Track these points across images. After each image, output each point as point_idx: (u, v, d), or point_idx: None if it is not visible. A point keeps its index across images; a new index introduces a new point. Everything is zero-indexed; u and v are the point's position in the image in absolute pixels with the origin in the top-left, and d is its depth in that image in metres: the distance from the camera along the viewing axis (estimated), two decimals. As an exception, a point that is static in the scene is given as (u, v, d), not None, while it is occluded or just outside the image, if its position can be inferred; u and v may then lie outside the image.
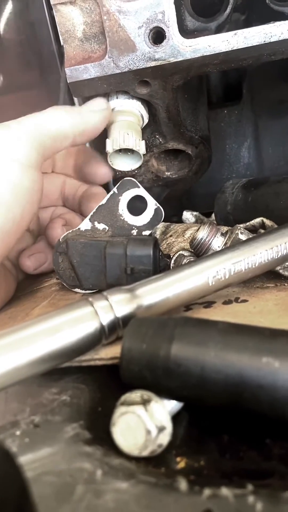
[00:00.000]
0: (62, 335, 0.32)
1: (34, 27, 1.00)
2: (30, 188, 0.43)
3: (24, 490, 0.17)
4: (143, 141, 0.51)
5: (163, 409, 0.28)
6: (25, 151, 0.43)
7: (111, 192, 0.49)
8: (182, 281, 0.37)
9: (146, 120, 0.55)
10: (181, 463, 0.27)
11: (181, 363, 0.28)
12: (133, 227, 0.49)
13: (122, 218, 0.49)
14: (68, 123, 0.45)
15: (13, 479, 0.17)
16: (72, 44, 0.50)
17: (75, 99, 0.85)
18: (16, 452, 0.27)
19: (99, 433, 0.29)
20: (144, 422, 0.27)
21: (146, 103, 0.54)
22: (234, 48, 0.47)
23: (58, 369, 0.33)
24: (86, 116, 0.47)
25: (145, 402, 0.28)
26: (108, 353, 0.34)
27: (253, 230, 0.52)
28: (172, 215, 0.70)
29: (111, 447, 0.27)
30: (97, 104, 0.49)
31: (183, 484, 0.24)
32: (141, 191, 0.49)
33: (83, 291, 0.49)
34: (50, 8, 0.92)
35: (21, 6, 1.01)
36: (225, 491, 0.24)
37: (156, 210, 0.49)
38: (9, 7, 1.01)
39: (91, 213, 0.49)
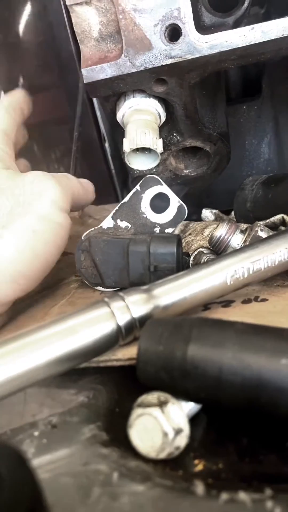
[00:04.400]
0: (79, 336, 0.32)
1: (53, 28, 1.01)
2: (65, 227, 0.46)
3: (37, 493, 0.17)
4: (161, 139, 0.51)
5: (180, 411, 0.28)
6: (65, 198, 0.47)
7: (134, 190, 0.49)
8: (199, 281, 0.36)
9: (163, 118, 0.54)
10: (199, 466, 0.27)
11: (198, 365, 0.28)
12: (156, 225, 0.49)
13: (145, 215, 0.49)
14: (81, 193, 0.52)
15: (25, 482, 0.17)
16: (88, 44, 0.50)
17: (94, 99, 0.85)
18: (33, 453, 0.28)
19: (117, 434, 0.29)
20: (161, 424, 0.27)
21: (163, 101, 0.53)
22: (252, 43, 0.46)
23: (76, 369, 0.33)
24: (89, 194, 0.55)
25: (161, 404, 0.28)
26: (126, 353, 0.34)
27: (273, 227, 0.51)
28: (191, 213, 0.69)
29: (128, 449, 0.27)
30: (91, 186, 0.56)
31: (200, 488, 0.24)
32: (164, 188, 0.49)
33: (105, 289, 0.49)
34: (68, 9, 0.92)
35: (40, 8, 1.02)
36: (242, 495, 0.23)
37: (179, 208, 0.49)
38: (27, 9, 1.02)
39: (114, 211, 0.49)
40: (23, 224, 0.43)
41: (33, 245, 0.43)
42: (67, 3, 0.48)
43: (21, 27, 1.03)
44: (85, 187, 0.53)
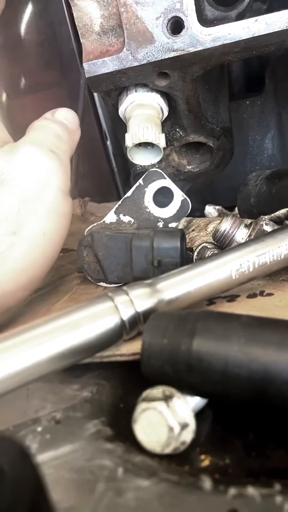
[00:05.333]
0: (83, 330, 0.31)
1: (54, 27, 1.01)
2: (69, 214, 0.45)
3: (40, 488, 0.17)
4: (163, 134, 0.50)
5: (186, 406, 0.27)
6: (66, 179, 0.45)
7: (137, 184, 0.48)
8: (204, 275, 0.36)
9: (165, 113, 0.54)
10: (205, 461, 0.27)
11: (203, 358, 0.27)
12: (159, 219, 0.48)
13: (148, 210, 0.48)
14: (71, 144, 0.49)
15: (29, 477, 0.17)
16: (89, 38, 0.49)
17: (95, 95, 0.85)
18: (37, 449, 0.27)
19: (121, 429, 0.29)
20: (166, 419, 0.26)
21: (166, 95, 0.53)
22: (255, 35, 0.46)
23: (80, 365, 0.33)
24: (76, 135, 0.50)
25: (167, 398, 0.27)
26: (130, 348, 0.34)
27: (278, 221, 0.50)
28: (195, 210, 0.68)
29: (133, 444, 0.27)
30: (75, 121, 0.50)
31: (207, 483, 0.24)
32: (167, 182, 0.48)
33: (108, 285, 0.48)
34: (69, 7, 0.92)
35: (41, 6, 1.01)
36: (251, 490, 0.23)
37: (183, 202, 0.48)
38: (29, 8, 1.02)
39: (116, 206, 0.48)
40: (34, 228, 0.41)
41: (43, 249, 0.42)
42: (69, -3, 0.48)
43: (23, 26, 1.02)
44: (70, 130, 0.49)
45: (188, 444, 0.27)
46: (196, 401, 0.29)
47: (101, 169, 1.02)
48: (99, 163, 1.02)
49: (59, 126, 0.47)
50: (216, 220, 0.60)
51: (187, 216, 0.61)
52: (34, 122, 0.48)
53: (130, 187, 0.51)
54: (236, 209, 0.63)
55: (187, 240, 0.56)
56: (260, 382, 0.26)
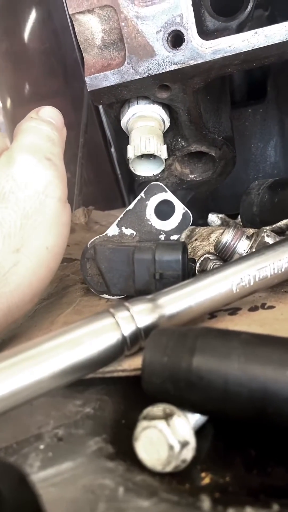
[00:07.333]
0: (84, 347, 0.32)
1: (58, 35, 1.02)
2: (69, 223, 0.45)
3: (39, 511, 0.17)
4: (165, 145, 0.50)
5: (186, 424, 0.27)
6: (64, 188, 0.44)
7: (139, 197, 0.49)
8: (204, 290, 0.36)
9: (167, 124, 0.54)
10: (206, 479, 0.27)
11: (204, 376, 0.27)
12: (161, 232, 0.49)
13: (150, 223, 0.49)
14: (62, 145, 0.48)
15: (27, 502, 0.17)
16: (91, 52, 0.50)
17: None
18: (39, 467, 0.28)
19: (122, 447, 0.29)
20: (167, 437, 0.27)
21: (167, 107, 0.53)
22: (255, 47, 0.46)
23: (82, 380, 0.33)
24: (64, 133, 0.49)
25: (167, 417, 0.27)
26: (131, 364, 0.34)
27: (280, 232, 0.50)
28: (197, 218, 0.69)
29: (134, 462, 0.27)
30: (61, 119, 0.49)
31: (206, 503, 0.24)
32: (168, 195, 0.49)
33: (111, 297, 0.49)
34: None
35: (44, 15, 1.02)
36: (249, 511, 0.23)
37: (184, 214, 0.49)
38: (32, 17, 1.03)
39: (119, 218, 0.49)
40: (37, 243, 0.41)
41: (47, 263, 0.42)
42: (70, 12, 0.48)
43: (26, 35, 1.03)
44: (58, 130, 0.47)
45: (189, 462, 0.27)
46: (196, 418, 0.29)
47: (105, 176, 1.03)
48: (103, 170, 1.03)
49: (48, 126, 0.46)
50: (219, 229, 0.60)
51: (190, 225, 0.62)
52: (21, 123, 0.47)
53: (135, 195, 0.52)
54: (239, 217, 0.63)
55: (190, 249, 0.56)
56: (260, 401, 0.26)
